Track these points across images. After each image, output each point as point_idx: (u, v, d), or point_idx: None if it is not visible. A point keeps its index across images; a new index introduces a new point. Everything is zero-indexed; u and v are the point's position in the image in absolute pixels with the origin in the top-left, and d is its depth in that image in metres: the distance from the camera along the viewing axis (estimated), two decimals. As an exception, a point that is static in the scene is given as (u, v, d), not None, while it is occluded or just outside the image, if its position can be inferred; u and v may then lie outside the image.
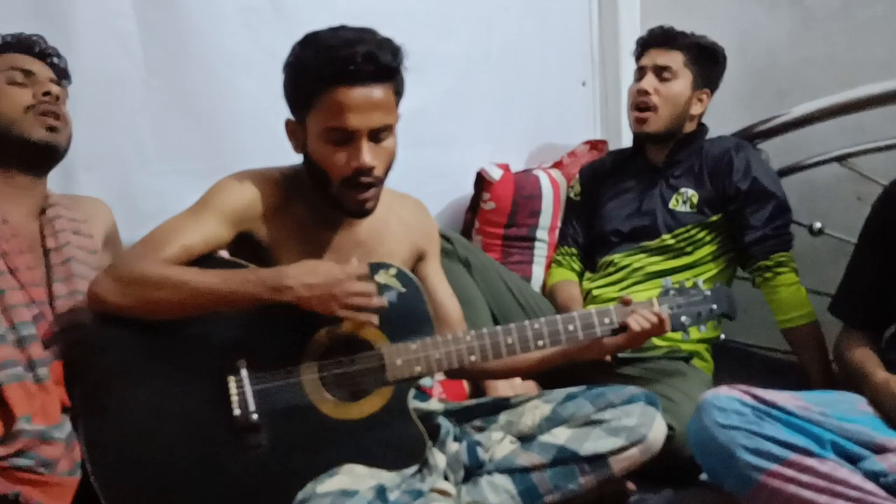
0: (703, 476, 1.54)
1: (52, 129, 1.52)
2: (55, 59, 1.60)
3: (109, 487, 1.31)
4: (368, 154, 1.37)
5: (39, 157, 1.53)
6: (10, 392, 1.27)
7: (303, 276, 1.31)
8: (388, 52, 1.35)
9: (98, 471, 1.31)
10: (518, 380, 1.94)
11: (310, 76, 1.36)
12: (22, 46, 1.56)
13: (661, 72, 2.05)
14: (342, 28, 1.38)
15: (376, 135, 1.39)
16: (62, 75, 1.62)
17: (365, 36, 1.36)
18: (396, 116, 1.43)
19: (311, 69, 1.36)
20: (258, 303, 1.32)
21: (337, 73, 1.33)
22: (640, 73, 2.10)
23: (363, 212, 1.44)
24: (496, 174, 2.35)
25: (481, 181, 2.38)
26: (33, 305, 1.38)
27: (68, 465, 1.30)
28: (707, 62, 2.08)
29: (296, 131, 1.45)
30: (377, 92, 1.36)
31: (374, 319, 1.37)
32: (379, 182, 1.43)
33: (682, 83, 2.05)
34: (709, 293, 1.60)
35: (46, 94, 1.52)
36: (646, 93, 2.05)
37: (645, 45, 2.12)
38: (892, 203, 1.61)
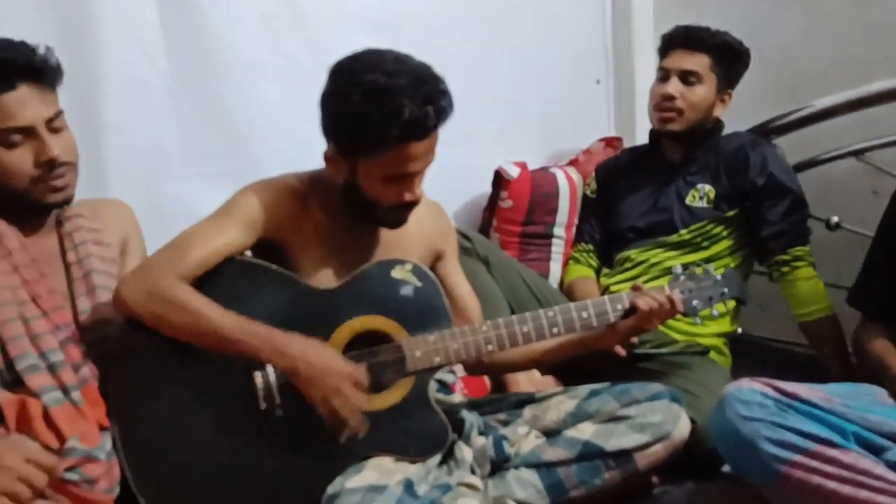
0: (725, 468, 1.56)
1: (63, 188, 1.41)
2: (44, 67, 1.37)
3: (148, 491, 1.35)
4: (420, 188, 1.44)
5: (55, 207, 1.46)
6: (56, 414, 1.29)
7: (309, 353, 1.33)
8: (449, 101, 1.37)
9: (137, 476, 1.34)
10: (538, 375, 1.96)
11: (381, 134, 1.34)
12: (7, 70, 1.33)
13: (686, 76, 2.01)
14: (397, 74, 1.33)
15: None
16: (55, 84, 1.40)
17: (428, 90, 1.33)
18: None
19: (383, 127, 1.33)
20: (257, 357, 1.34)
21: (413, 134, 1.34)
22: (664, 74, 2.06)
23: (401, 224, 1.49)
24: (514, 172, 2.37)
25: (499, 179, 2.40)
26: (58, 331, 1.37)
27: (108, 483, 1.31)
28: (732, 63, 2.05)
29: (338, 163, 1.43)
30: (434, 137, 1.40)
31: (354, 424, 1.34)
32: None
33: (706, 88, 2.02)
34: (719, 277, 1.61)
35: (49, 162, 1.36)
36: (671, 97, 2.02)
37: (670, 44, 2.07)
38: None
